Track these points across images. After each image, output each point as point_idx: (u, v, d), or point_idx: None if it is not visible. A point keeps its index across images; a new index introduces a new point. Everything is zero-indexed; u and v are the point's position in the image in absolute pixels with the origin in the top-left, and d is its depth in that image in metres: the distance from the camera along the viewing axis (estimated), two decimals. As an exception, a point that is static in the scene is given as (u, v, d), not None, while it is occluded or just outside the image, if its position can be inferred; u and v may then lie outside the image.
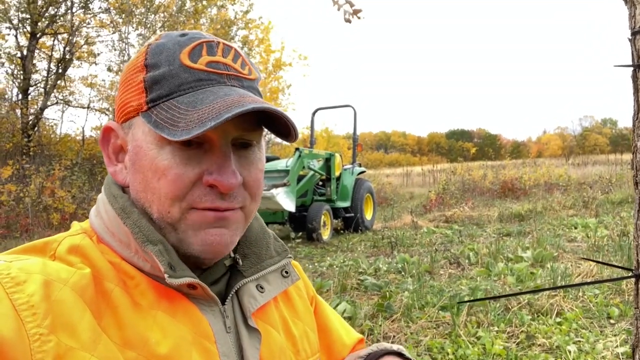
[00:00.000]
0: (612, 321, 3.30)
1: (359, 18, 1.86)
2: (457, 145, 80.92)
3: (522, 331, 3.14)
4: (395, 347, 0.78)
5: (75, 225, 0.65)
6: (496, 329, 3.20)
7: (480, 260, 5.31)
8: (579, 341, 2.97)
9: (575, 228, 7.38)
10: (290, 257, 0.75)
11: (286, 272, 0.73)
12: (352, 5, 1.86)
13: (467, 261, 5.35)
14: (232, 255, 0.70)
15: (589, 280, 4.08)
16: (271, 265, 0.71)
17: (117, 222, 0.60)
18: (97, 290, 0.54)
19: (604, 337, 3.01)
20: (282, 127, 0.62)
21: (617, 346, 2.83)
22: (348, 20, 2.00)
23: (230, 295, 0.65)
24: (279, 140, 20.09)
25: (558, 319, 3.31)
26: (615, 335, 3.01)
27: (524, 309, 3.50)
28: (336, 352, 0.84)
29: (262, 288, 0.69)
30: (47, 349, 0.47)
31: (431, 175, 23.10)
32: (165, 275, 0.56)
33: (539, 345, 2.95)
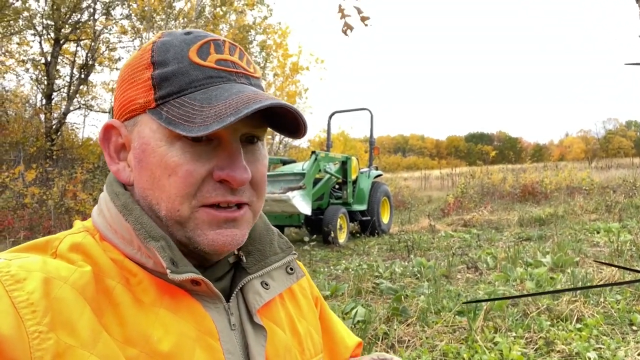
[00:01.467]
0: (634, 327, 3.21)
1: (366, 25, 1.86)
2: (477, 149, 79.99)
3: (540, 337, 3.07)
4: (395, 358, 0.78)
5: (78, 223, 0.65)
6: (514, 334, 3.14)
7: (498, 264, 5.22)
8: (600, 348, 2.89)
9: (598, 233, 7.21)
10: (295, 254, 0.75)
11: (291, 269, 0.73)
12: (360, 12, 1.85)
13: (485, 266, 5.27)
14: (236, 252, 0.70)
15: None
16: (275, 261, 0.71)
17: (119, 220, 0.60)
18: (98, 288, 0.54)
19: (626, 344, 2.93)
20: (290, 123, 0.62)
21: (639, 354, 2.75)
22: (345, 32, 2.00)
23: (235, 292, 0.65)
24: (296, 143, 20.16)
25: (578, 325, 3.23)
26: (637, 342, 2.92)
27: (542, 314, 3.43)
28: (339, 354, 0.83)
29: (266, 285, 0.69)
30: (47, 347, 0.47)
31: (450, 179, 22.86)
32: (168, 271, 0.56)
33: (558, 351, 2.88)
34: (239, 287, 0.66)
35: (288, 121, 0.62)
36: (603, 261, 4.93)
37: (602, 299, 3.64)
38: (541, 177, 15.63)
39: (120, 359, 0.51)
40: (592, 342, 2.96)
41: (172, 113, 0.57)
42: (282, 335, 0.68)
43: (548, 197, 13.37)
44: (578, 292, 3.67)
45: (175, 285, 0.59)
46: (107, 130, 0.64)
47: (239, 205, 0.62)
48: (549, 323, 3.25)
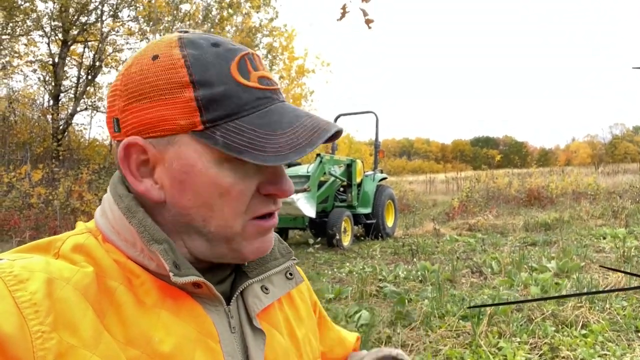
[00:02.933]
0: (640, 335, 3.18)
1: (369, 28, 1.87)
2: (482, 153, 79.78)
3: (545, 343, 3.06)
4: (399, 352, 0.79)
5: (80, 224, 0.65)
6: (518, 339, 3.12)
7: (503, 269, 5.19)
8: (605, 354, 2.87)
9: (604, 238, 7.16)
10: (295, 260, 0.75)
11: (290, 274, 0.74)
12: (365, 14, 1.86)
13: (489, 270, 5.25)
14: None
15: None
16: (275, 266, 0.71)
17: (122, 221, 0.60)
18: (100, 289, 0.54)
19: (632, 350, 2.90)
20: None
21: (645, 361, 2.72)
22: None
23: (235, 295, 0.65)
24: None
25: (583, 331, 3.21)
26: (644, 350, 2.90)
27: (547, 320, 3.41)
28: (345, 350, 0.87)
29: (266, 289, 0.69)
30: (49, 347, 0.47)
31: (455, 183, 22.80)
32: (170, 274, 0.56)
33: (563, 357, 2.86)
34: (239, 291, 0.66)
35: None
36: (609, 266, 4.90)
37: (607, 305, 3.61)
38: (547, 181, 15.57)
39: None
40: (597, 348, 2.94)
41: (232, 139, 0.57)
42: (280, 339, 0.69)
43: (554, 202, 13.30)
44: (583, 298, 3.65)
45: (177, 287, 0.59)
46: (128, 148, 0.61)
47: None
48: (553, 329, 3.24)
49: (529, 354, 2.94)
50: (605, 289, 3.71)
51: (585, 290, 3.99)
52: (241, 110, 0.59)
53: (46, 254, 0.57)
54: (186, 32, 0.63)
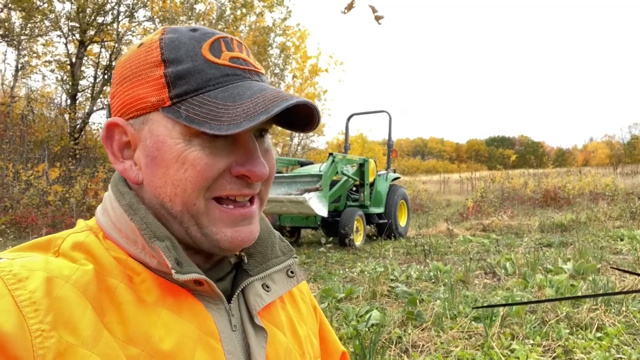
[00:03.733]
0: (658, 339, 3.11)
1: (379, 24, 1.85)
2: (498, 153, 78.94)
3: (559, 345, 3.00)
4: None
5: (81, 222, 0.65)
6: (531, 341, 3.07)
7: (517, 270, 5.12)
8: (620, 358, 2.81)
9: (621, 240, 7.03)
10: (296, 258, 0.75)
11: (292, 272, 0.73)
12: (374, 11, 1.84)
13: (503, 271, 5.18)
14: (238, 252, 0.70)
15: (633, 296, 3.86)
16: (277, 264, 0.71)
17: (124, 219, 0.60)
18: (100, 287, 0.54)
19: (649, 355, 2.84)
20: (302, 118, 0.63)
21: (663, 365, 2.66)
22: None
23: (236, 293, 0.65)
24: (314, 145, 20.18)
25: (598, 334, 3.14)
26: (661, 354, 2.83)
27: (562, 322, 3.35)
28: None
29: (267, 287, 0.69)
30: (49, 345, 0.47)
31: (469, 183, 22.62)
32: (172, 271, 0.56)
33: (577, 360, 2.81)
34: (240, 289, 0.66)
35: (300, 116, 0.63)
36: (621, 268, 4.81)
37: (623, 308, 3.54)
38: (564, 182, 15.34)
39: (121, 359, 0.51)
40: (612, 351, 2.88)
41: (194, 111, 0.57)
42: (282, 337, 0.68)
43: (570, 202, 13.11)
44: (599, 300, 3.58)
45: (179, 285, 0.59)
46: (111, 128, 0.63)
47: (251, 199, 0.63)
48: (568, 331, 3.18)
49: (542, 356, 2.89)
50: (620, 291, 3.65)
51: (600, 292, 3.92)
52: (207, 85, 0.59)
53: (46, 252, 0.57)
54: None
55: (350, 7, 1.88)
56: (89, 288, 0.53)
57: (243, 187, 0.61)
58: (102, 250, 0.58)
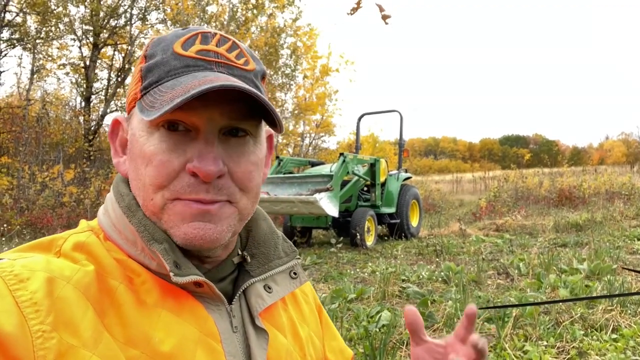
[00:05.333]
0: (676, 340, 3.04)
1: (387, 24, 1.84)
2: (511, 152, 78.17)
3: (573, 347, 2.95)
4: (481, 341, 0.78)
5: (83, 223, 0.65)
6: (545, 343, 3.03)
7: (531, 271, 5.06)
8: (637, 360, 2.75)
9: (638, 240, 6.91)
10: (299, 259, 0.74)
11: (294, 274, 0.72)
12: (381, 9, 1.83)
13: (516, 272, 5.12)
14: (240, 253, 0.69)
15: (651, 295, 3.78)
16: (279, 265, 0.70)
17: (123, 220, 0.60)
18: (100, 288, 0.54)
19: (666, 357, 2.77)
20: (269, 115, 0.60)
21: (681, 368, 2.60)
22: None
23: (238, 295, 0.65)
24: (325, 145, 20.15)
25: (614, 335, 3.09)
26: (679, 356, 2.77)
27: (576, 323, 3.29)
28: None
29: (269, 288, 0.68)
30: (50, 346, 0.47)
31: (482, 182, 22.41)
32: (171, 274, 0.56)
33: (592, 362, 2.76)
34: (241, 290, 0.65)
35: (268, 111, 0.59)
36: (634, 268, 4.72)
37: (640, 309, 3.47)
38: (579, 181, 15.10)
39: None
40: (628, 353, 2.82)
41: (146, 101, 0.58)
42: (283, 340, 0.68)
43: (586, 202, 12.90)
44: (615, 301, 3.51)
45: (179, 286, 0.59)
46: (115, 125, 0.66)
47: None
48: (582, 332, 3.13)
49: (555, 358, 2.85)
50: (633, 292, 3.58)
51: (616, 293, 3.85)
52: (167, 76, 0.59)
53: (48, 252, 0.57)
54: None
55: (356, 9, 1.88)
56: (90, 289, 0.53)
57: (201, 191, 0.57)
58: (103, 251, 0.58)
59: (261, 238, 0.71)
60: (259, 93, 0.57)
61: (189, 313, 0.58)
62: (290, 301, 0.75)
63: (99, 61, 15.33)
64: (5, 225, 8.23)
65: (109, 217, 0.63)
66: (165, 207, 0.58)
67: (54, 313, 0.48)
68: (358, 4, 1.88)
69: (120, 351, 0.51)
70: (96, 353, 0.49)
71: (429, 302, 3.92)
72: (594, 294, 3.93)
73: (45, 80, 15.74)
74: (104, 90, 15.63)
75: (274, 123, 0.61)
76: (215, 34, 0.62)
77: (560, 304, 3.64)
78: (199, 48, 0.60)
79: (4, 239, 7.34)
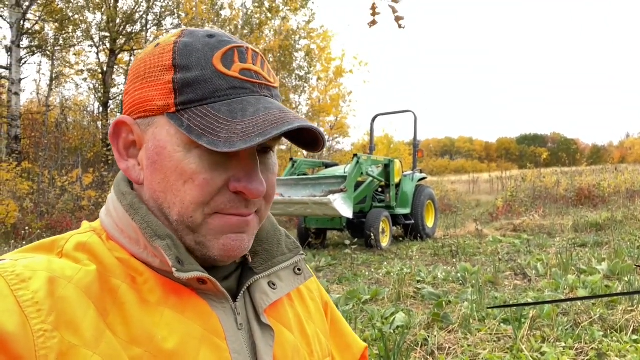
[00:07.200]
0: (700, 342, 2.96)
1: (400, 26, 1.82)
2: (529, 151, 77.09)
3: (592, 348, 2.89)
4: None
5: (85, 224, 0.66)
6: (563, 344, 2.97)
7: (549, 271, 4.97)
8: (659, 362, 2.68)
9: (661, 239, 6.74)
10: (302, 255, 0.74)
11: (299, 270, 0.72)
12: (394, 11, 1.82)
13: (534, 272, 5.04)
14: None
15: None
16: (283, 262, 0.70)
17: (125, 219, 0.61)
18: (103, 287, 0.54)
19: (690, 359, 2.70)
20: (308, 138, 0.63)
21: None
22: (370, 25, 1.96)
23: (242, 292, 0.65)
24: (340, 146, 20.09)
25: (634, 336, 3.02)
26: (703, 358, 2.69)
27: (595, 324, 3.23)
28: (352, 355, 0.82)
29: (274, 285, 0.68)
30: (51, 345, 0.47)
31: (499, 182, 22.12)
32: (173, 270, 0.56)
33: (612, 364, 2.70)
34: (245, 287, 0.65)
35: (305, 134, 0.62)
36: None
37: (662, 310, 3.38)
38: (599, 180, 14.81)
39: (123, 359, 0.51)
40: (650, 355, 2.76)
41: (195, 122, 0.56)
42: (289, 336, 0.67)
43: (606, 201, 12.66)
44: (635, 301, 3.43)
45: (182, 284, 0.59)
46: (118, 126, 0.63)
47: None
48: (601, 333, 3.06)
49: (574, 359, 2.79)
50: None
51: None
52: (212, 96, 0.58)
53: (50, 253, 0.57)
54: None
55: (374, 22, 1.87)
56: (91, 288, 0.53)
57: (241, 206, 0.60)
58: (105, 251, 0.59)
59: (264, 235, 0.71)
60: (322, 130, 0.61)
61: (192, 311, 0.58)
62: (297, 298, 0.75)
63: (116, 67, 15.58)
64: (26, 228, 8.40)
65: (112, 217, 0.63)
66: (204, 222, 0.59)
67: (56, 312, 0.49)
68: (374, 9, 1.87)
69: (123, 350, 0.51)
70: (98, 352, 0.49)
71: (444, 303, 3.88)
72: (614, 295, 3.85)
73: (64, 87, 16.08)
74: (121, 95, 15.88)
75: (305, 142, 0.65)
76: (248, 47, 0.62)
77: (579, 304, 3.57)
78: (241, 67, 0.60)
79: (24, 242, 7.50)
